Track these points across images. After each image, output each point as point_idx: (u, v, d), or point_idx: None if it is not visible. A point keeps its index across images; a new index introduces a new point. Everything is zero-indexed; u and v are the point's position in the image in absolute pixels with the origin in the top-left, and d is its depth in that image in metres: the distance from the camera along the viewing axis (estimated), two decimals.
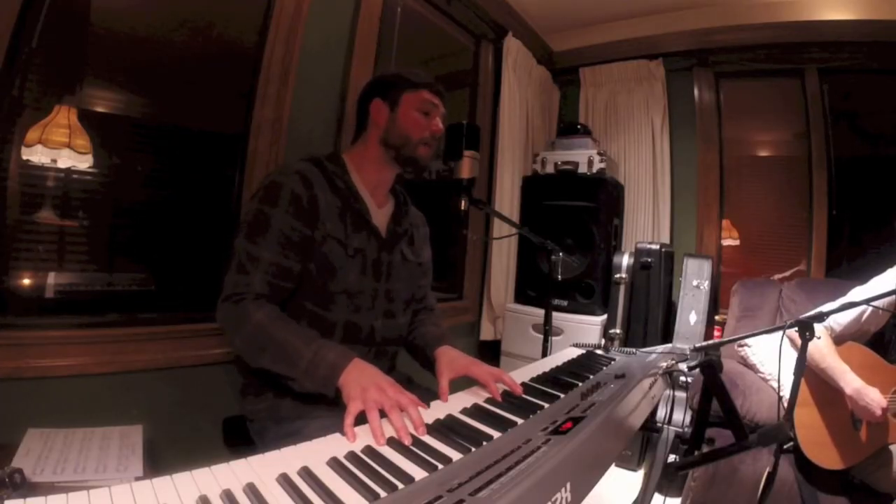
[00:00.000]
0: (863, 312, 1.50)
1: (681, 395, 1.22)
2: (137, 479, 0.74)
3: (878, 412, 1.33)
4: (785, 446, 1.06)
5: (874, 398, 1.34)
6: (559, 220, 2.73)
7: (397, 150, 1.12)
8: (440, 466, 0.60)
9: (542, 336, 1.74)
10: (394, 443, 0.68)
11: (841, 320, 1.52)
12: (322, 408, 0.99)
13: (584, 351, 1.34)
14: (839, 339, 1.52)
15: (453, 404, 0.87)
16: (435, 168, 1.69)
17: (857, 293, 1.53)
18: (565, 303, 2.68)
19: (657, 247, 2.60)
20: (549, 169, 2.86)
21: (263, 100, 1.65)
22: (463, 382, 1.01)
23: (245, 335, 0.94)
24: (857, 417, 1.42)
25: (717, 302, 2.80)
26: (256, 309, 0.94)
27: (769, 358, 2.02)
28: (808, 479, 1.47)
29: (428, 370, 1.17)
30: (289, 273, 1.01)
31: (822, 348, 1.45)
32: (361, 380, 0.83)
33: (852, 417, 1.44)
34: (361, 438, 0.70)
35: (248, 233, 1.00)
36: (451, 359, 1.08)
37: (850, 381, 1.39)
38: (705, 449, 1.22)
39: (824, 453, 1.43)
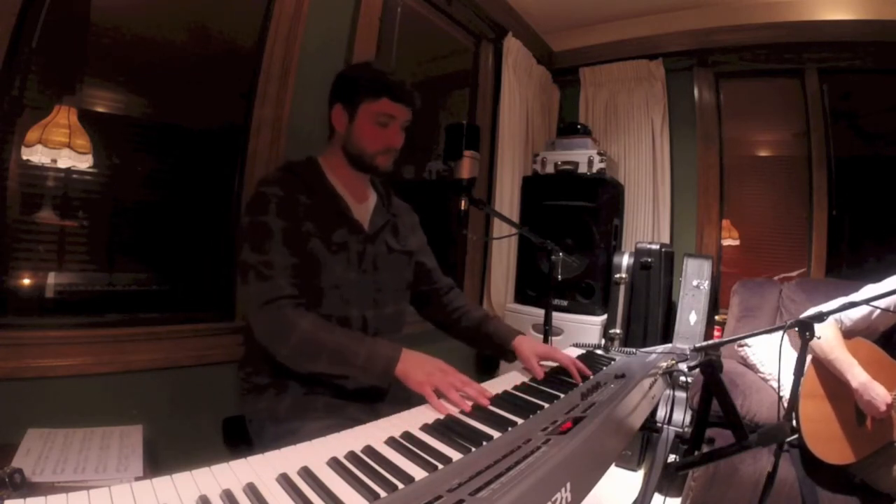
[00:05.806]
0: (873, 310, 1.50)
1: (681, 395, 1.22)
2: (137, 479, 0.75)
3: (883, 408, 1.33)
4: (788, 439, 1.07)
5: (879, 393, 1.34)
6: (559, 220, 2.73)
7: (355, 159, 1.15)
8: (440, 466, 0.60)
9: (542, 336, 1.73)
10: (394, 442, 0.68)
11: (852, 315, 1.51)
12: (320, 408, 1.01)
13: (584, 351, 1.34)
14: (848, 333, 1.51)
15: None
16: (435, 168, 1.69)
17: (870, 291, 1.51)
18: (565, 303, 2.68)
19: (657, 247, 2.60)
20: (549, 169, 2.86)
21: (263, 99, 1.65)
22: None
23: (293, 345, 0.97)
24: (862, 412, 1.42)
25: (717, 302, 2.80)
26: (299, 318, 0.97)
27: (769, 358, 2.02)
28: (809, 475, 1.47)
29: (492, 354, 1.29)
30: (301, 269, 1.03)
31: (830, 340, 1.45)
32: (423, 366, 0.94)
33: (857, 412, 1.43)
34: (365, 435, 0.69)
35: (252, 244, 1.02)
36: (532, 345, 1.20)
37: (857, 375, 1.38)
38: (705, 449, 1.21)
39: (827, 447, 1.42)
